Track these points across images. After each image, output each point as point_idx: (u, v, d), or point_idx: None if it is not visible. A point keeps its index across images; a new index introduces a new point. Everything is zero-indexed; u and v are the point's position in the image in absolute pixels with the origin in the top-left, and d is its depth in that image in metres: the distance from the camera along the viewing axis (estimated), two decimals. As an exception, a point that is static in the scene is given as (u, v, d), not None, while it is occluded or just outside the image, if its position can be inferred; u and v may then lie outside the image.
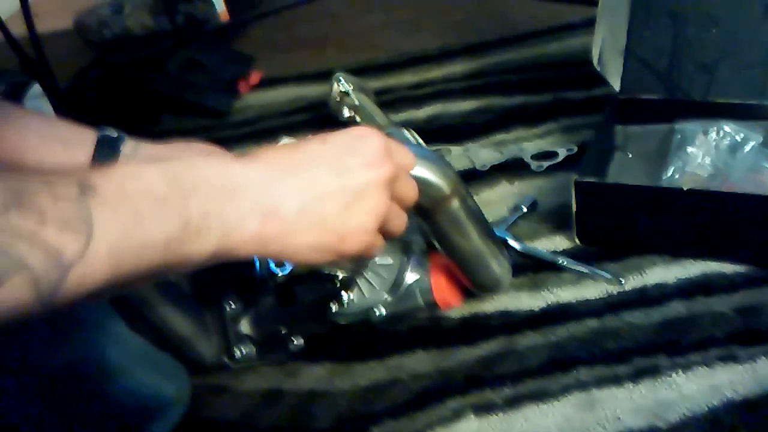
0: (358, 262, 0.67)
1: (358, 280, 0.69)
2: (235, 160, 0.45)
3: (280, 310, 0.67)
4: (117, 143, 0.60)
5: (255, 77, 1.32)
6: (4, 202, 0.34)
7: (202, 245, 0.41)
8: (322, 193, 0.45)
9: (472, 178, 0.94)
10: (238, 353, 0.68)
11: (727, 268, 0.73)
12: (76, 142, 0.60)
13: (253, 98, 1.29)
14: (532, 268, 0.78)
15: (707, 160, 0.79)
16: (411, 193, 0.52)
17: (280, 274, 0.64)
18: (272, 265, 0.64)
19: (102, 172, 0.39)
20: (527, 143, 0.99)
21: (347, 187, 0.46)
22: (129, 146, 0.60)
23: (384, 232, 0.51)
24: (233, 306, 0.67)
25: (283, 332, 0.69)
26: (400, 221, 0.52)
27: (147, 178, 0.39)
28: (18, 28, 1.20)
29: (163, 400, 0.66)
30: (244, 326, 0.68)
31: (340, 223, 0.46)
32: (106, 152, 0.59)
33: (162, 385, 0.66)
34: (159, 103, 1.24)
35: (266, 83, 1.32)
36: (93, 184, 0.37)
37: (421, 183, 0.61)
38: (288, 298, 0.67)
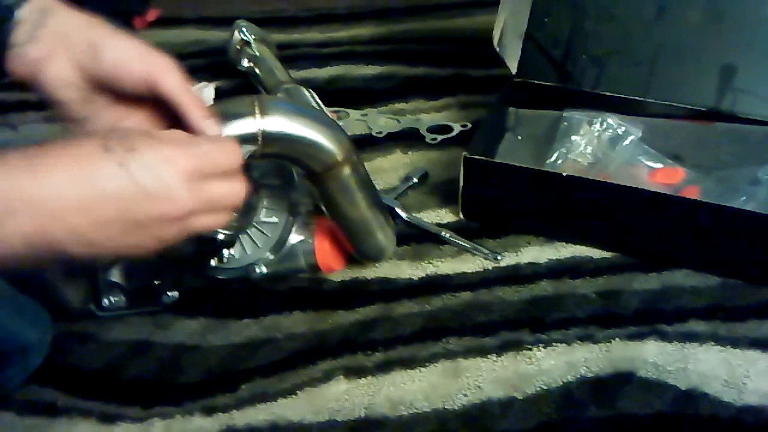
0: (242, 220, 0.66)
1: (240, 236, 0.68)
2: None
3: (154, 260, 0.65)
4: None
5: (152, 14, 1.26)
6: None
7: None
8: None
9: (367, 144, 0.94)
10: (106, 302, 0.66)
11: (595, 253, 0.77)
12: None
13: (149, 36, 1.22)
14: (415, 239, 0.80)
15: (588, 150, 0.82)
16: (236, 196, 0.52)
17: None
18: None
19: None
20: (425, 115, 1.00)
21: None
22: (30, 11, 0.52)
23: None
24: None
25: (156, 283, 0.67)
26: (232, 195, 0.52)
27: None
28: None
29: (21, 344, 0.63)
30: (115, 275, 0.66)
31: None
32: None
33: (21, 328, 0.63)
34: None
35: (164, 22, 1.26)
36: None
37: (314, 147, 0.61)
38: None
